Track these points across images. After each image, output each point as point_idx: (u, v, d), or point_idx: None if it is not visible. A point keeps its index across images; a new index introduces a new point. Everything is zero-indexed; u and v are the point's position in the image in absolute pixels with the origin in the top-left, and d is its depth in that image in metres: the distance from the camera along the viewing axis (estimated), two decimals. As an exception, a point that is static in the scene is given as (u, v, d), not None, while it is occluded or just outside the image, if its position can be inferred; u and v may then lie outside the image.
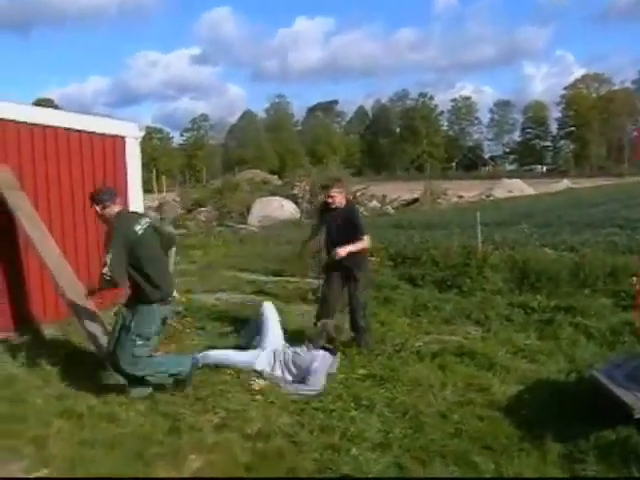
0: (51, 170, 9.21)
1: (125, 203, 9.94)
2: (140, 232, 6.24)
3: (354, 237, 7.76)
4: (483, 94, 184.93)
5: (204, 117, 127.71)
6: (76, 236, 9.44)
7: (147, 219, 6.48)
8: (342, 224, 7.90)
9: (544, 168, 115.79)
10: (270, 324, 7.48)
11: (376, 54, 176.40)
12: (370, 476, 4.66)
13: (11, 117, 8.81)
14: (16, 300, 8.84)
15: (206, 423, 5.71)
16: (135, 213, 7.23)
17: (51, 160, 9.22)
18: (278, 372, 6.89)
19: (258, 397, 6.29)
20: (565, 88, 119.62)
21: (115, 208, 6.41)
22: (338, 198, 7.95)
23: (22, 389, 6.56)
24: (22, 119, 8.93)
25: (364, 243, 7.84)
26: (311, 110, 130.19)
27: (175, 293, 10.58)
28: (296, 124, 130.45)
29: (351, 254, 7.68)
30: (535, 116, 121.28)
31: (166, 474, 4.78)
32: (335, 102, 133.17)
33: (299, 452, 5.09)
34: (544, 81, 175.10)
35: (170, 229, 25.12)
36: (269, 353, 7.05)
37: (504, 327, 8.83)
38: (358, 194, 34.12)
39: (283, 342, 7.34)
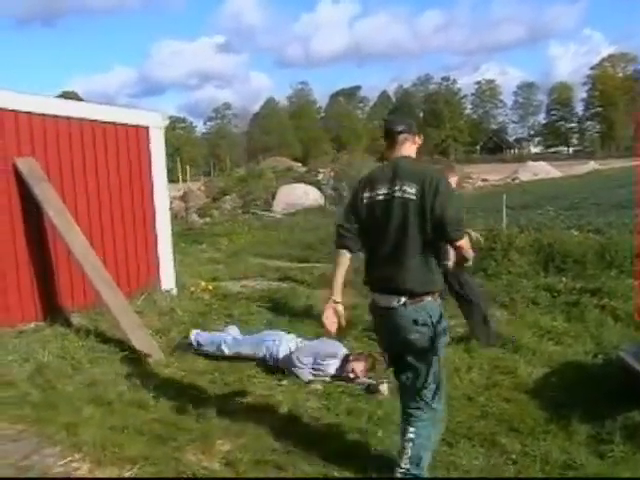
0: (76, 161, 9.31)
1: (150, 193, 10.05)
2: None
3: None
4: (508, 76, 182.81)
5: (227, 106, 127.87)
6: (102, 225, 9.53)
7: None
8: None
9: (570, 150, 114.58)
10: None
11: (401, 38, 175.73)
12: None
13: (37, 110, 8.91)
14: (45, 289, 8.97)
15: (234, 408, 5.78)
16: None
17: (76, 151, 9.31)
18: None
19: (284, 382, 6.35)
20: (591, 68, 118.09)
21: None
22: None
23: (53, 377, 6.67)
24: (47, 111, 9.04)
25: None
26: (334, 96, 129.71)
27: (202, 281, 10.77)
28: (319, 110, 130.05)
29: None
30: (560, 97, 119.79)
31: (195, 458, 4.84)
32: (358, 88, 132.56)
33: (327, 436, 5.12)
34: (572, 61, 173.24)
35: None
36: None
37: (530, 310, 8.81)
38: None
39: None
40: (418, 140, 4.42)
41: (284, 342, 6.93)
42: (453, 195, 4.19)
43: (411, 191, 4.00)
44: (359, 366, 6.41)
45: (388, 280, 4.10)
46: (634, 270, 9.88)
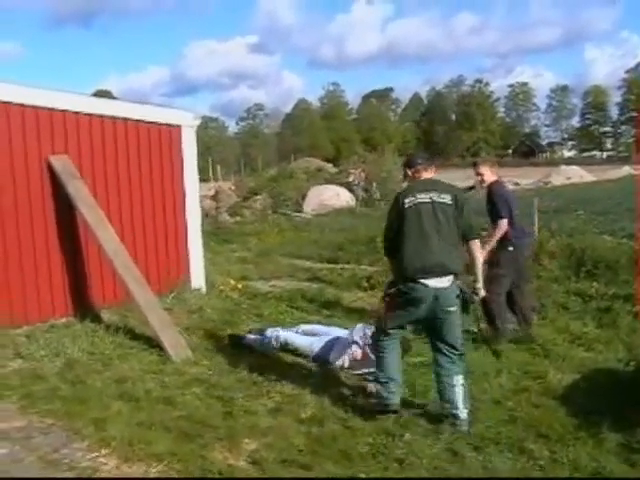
0: (109, 159, 9.39)
1: (181, 192, 10.11)
2: None
3: (493, 220, 7.54)
4: (543, 79, 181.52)
5: (259, 106, 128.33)
6: (134, 223, 9.60)
7: None
8: (488, 202, 7.70)
9: (604, 154, 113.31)
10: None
11: (434, 40, 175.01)
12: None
13: (71, 108, 9.00)
14: (76, 285, 9.07)
15: (261, 407, 5.80)
16: None
17: (109, 149, 9.40)
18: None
19: (312, 382, 6.34)
20: (627, 72, 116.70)
21: None
22: (486, 176, 7.71)
23: (83, 372, 6.74)
24: (81, 110, 9.13)
25: (499, 230, 7.44)
26: (366, 98, 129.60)
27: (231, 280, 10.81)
28: (351, 112, 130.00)
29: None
30: (595, 101, 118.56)
31: (222, 456, 4.85)
32: (390, 89, 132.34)
33: (353, 436, 5.12)
34: (607, 65, 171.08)
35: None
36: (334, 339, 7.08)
37: (561, 315, 8.70)
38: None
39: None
40: (435, 170, 5.80)
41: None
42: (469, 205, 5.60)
43: (448, 198, 5.38)
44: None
45: (440, 265, 5.27)
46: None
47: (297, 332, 7.51)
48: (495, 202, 7.52)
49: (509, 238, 7.51)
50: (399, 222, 5.39)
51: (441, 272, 5.26)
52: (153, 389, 6.27)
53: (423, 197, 5.36)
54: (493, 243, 7.48)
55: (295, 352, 7.27)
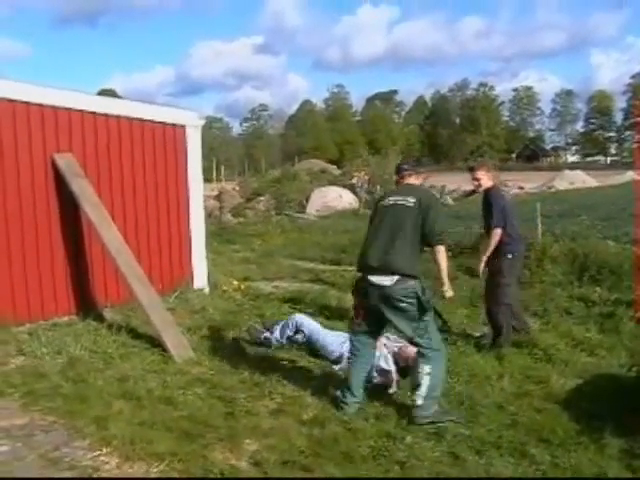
0: (114, 158, 9.41)
1: (185, 192, 10.12)
2: None
3: (489, 228, 7.43)
4: (548, 83, 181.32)
5: (263, 107, 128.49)
6: (137, 222, 9.61)
7: None
8: (483, 210, 7.65)
9: (608, 159, 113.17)
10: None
11: (440, 43, 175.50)
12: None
13: (76, 106, 9.01)
14: (79, 284, 9.07)
15: (262, 408, 5.80)
16: None
17: (114, 148, 9.41)
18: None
19: (314, 384, 6.33)
20: (632, 77, 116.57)
21: None
22: (483, 181, 7.61)
23: (85, 371, 6.74)
24: (86, 108, 9.14)
25: (493, 240, 7.36)
26: (370, 100, 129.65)
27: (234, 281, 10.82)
28: (355, 114, 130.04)
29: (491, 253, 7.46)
30: (599, 106, 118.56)
31: (223, 457, 4.85)
32: (395, 92, 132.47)
33: (354, 439, 5.11)
34: (613, 70, 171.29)
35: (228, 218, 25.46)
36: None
37: (563, 320, 8.69)
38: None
39: None
40: (421, 177, 6.24)
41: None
42: (440, 211, 5.92)
43: (412, 201, 5.67)
44: (411, 353, 6.37)
45: (383, 264, 5.57)
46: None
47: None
48: (491, 210, 7.40)
49: (507, 246, 7.45)
50: (369, 222, 6.01)
51: (384, 270, 5.54)
52: (155, 388, 6.26)
53: (391, 200, 5.85)
54: (489, 252, 7.44)
55: (314, 351, 7.26)
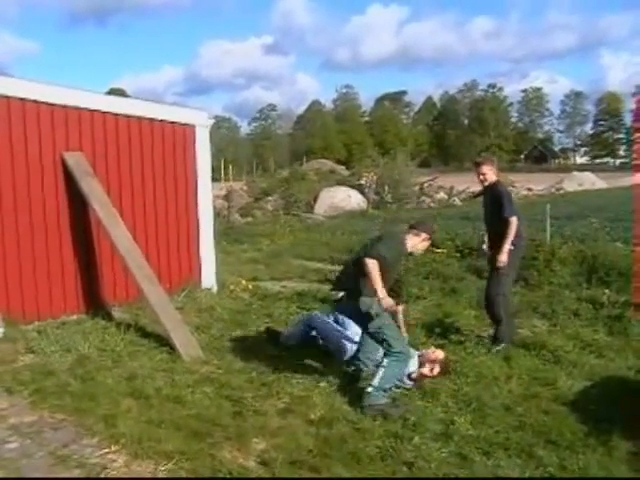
0: (123, 157, 9.44)
1: (194, 191, 10.14)
2: None
3: (500, 219, 7.46)
4: (558, 85, 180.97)
5: (272, 107, 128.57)
6: (146, 221, 9.64)
7: None
8: (490, 203, 7.72)
9: (617, 161, 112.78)
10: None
11: (449, 43, 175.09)
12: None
13: (86, 105, 9.05)
14: (88, 282, 9.11)
15: (270, 408, 5.80)
16: None
17: (123, 147, 9.44)
18: None
19: (322, 384, 6.34)
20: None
21: None
22: (488, 175, 7.70)
23: (93, 369, 6.77)
24: (96, 107, 9.17)
25: (512, 228, 7.40)
26: (379, 100, 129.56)
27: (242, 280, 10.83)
28: (363, 114, 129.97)
29: (496, 244, 7.53)
30: (609, 107, 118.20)
31: (231, 456, 4.86)
32: (404, 92, 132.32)
33: (362, 439, 5.12)
34: (623, 71, 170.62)
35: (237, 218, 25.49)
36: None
37: (571, 321, 8.67)
38: (426, 185, 33.86)
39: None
40: (422, 236, 6.52)
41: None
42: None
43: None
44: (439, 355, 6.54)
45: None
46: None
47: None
48: (502, 202, 7.46)
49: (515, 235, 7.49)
50: None
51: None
52: (163, 387, 6.28)
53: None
54: (509, 242, 7.39)
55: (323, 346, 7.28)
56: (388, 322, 6.14)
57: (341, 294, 6.82)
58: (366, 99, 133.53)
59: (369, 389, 5.79)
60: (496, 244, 7.52)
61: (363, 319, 6.23)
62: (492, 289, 7.64)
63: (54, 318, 8.60)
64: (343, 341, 6.96)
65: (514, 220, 7.39)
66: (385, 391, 5.84)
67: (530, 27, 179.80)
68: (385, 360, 5.96)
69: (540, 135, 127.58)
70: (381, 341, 6.10)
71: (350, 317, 6.82)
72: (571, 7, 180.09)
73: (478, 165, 7.86)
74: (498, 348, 7.36)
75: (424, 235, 6.51)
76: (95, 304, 9.04)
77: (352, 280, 6.22)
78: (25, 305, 8.53)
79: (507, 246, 7.39)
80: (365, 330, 6.38)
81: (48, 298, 8.76)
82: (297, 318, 7.82)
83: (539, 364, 6.97)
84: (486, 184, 7.77)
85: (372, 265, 5.91)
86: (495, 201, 7.59)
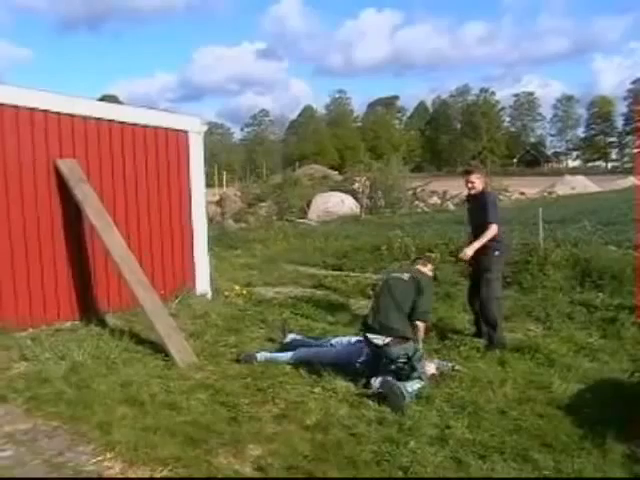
0: (117, 163, 9.44)
1: (187, 197, 10.14)
2: None
3: (484, 225, 7.72)
4: (550, 89, 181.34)
5: (264, 112, 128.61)
6: (140, 228, 9.63)
7: None
8: (476, 210, 8.00)
9: (608, 165, 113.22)
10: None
11: (443, 48, 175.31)
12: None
13: (79, 112, 9.04)
14: (81, 289, 9.09)
15: (266, 414, 5.81)
16: None
17: (117, 154, 9.44)
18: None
19: (317, 389, 6.34)
20: (633, 82, 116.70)
21: None
22: (477, 184, 7.97)
23: (88, 376, 6.75)
24: (90, 114, 9.17)
25: (490, 233, 7.67)
26: (371, 105, 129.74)
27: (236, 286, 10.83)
28: (356, 120, 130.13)
29: (480, 249, 7.72)
30: (600, 111, 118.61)
31: (227, 462, 4.86)
32: (396, 97, 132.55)
33: (358, 444, 5.12)
34: (615, 75, 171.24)
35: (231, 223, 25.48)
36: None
37: (565, 325, 8.70)
38: (418, 190, 33.91)
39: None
40: (428, 266, 7.36)
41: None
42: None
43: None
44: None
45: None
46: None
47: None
48: (487, 208, 7.73)
49: (496, 244, 7.76)
50: None
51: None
52: (158, 394, 6.27)
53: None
54: (481, 244, 7.68)
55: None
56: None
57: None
58: (359, 104, 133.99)
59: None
60: (480, 249, 7.72)
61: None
62: (484, 293, 7.81)
63: (48, 325, 8.58)
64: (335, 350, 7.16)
65: (494, 227, 7.68)
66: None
67: (523, 31, 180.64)
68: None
69: (532, 139, 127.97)
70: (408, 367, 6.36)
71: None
72: (564, 11, 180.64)
73: (467, 173, 8.11)
74: (494, 350, 7.46)
75: (430, 265, 7.43)
76: (89, 311, 9.02)
77: (399, 322, 6.52)
78: (19, 312, 8.50)
79: (477, 245, 7.69)
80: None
81: (42, 305, 8.75)
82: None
83: (534, 368, 6.99)
84: (474, 192, 8.03)
85: (423, 327, 6.78)
86: (481, 208, 7.84)
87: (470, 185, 8.00)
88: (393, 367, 6.40)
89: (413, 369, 6.31)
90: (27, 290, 8.66)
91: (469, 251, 7.73)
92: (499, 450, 4.97)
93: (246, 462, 4.88)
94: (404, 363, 6.33)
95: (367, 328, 6.59)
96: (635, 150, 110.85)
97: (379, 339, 6.40)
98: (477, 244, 7.68)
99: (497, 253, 7.77)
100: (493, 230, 7.66)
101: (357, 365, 6.77)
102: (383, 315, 6.53)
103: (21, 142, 8.58)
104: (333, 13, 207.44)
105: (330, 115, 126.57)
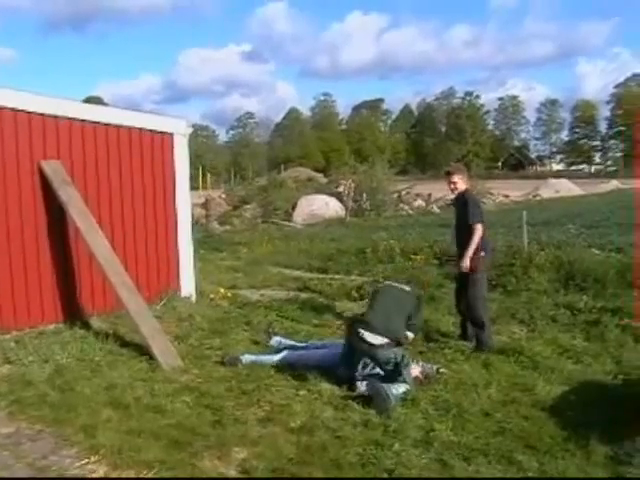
0: (101, 165, 9.40)
1: (172, 199, 10.12)
2: None
3: (467, 226, 7.76)
4: (534, 92, 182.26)
5: (249, 115, 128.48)
6: (125, 230, 9.60)
7: None
8: (459, 210, 8.07)
9: (592, 168, 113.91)
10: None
11: (428, 51, 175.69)
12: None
13: (64, 113, 9.00)
14: (66, 291, 9.04)
15: (251, 416, 5.80)
16: None
17: (101, 155, 9.40)
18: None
19: (302, 392, 6.34)
20: (616, 86, 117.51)
21: None
22: (459, 184, 8.03)
23: (72, 379, 6.72)
24: (74, 115, 9.13)
25: (477, 234, 7.70)
26: (357, 108, 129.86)
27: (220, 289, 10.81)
28: (341, 122, 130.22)
29: (463, 249, 7.80)
30: (583, 115, 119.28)
31: (212, 464, 4.85)
32: (381, 100, 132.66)
33: (343, 446, 5.12)
34: (599, 79, 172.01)
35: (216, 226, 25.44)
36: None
37: (549, 327, 8.74)
38: (403, 193, 34.01)
39: None
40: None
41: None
42: None
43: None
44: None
45: None
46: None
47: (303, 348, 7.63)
48: (469, 208, 7.80)
49: (481, 243, 7.80)
50: None
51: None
52: (142, 396, 6.25)
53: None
54: (473, 248, 7.70)
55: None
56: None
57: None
58: (345, 107, 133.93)
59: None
60: (465, 249, 7.77)
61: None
62: (470, 293, 7.88)
63: (32, 328, 8.52)
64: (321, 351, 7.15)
65: (479, 227, 7.72)
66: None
67: (508, 35, 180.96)
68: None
69: (517, 142, 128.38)
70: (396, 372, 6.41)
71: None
72: (549, 16, 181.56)
73: (449, 174, 8.17)
74: (482, 352, 7.53)
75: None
76: (73, 313, 8.97)
77: (399, 326, 6.61)
78: (2, 314, 8.45)
79: (471, 252, 7.70)
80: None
81: (26, 307, 8.69)
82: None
83: (518, 370, 7.02)
84: (456, 192, 8.11)
85: (412, 338, 6.98)
86: (463, 208, 7.91)
87: (452, 186, 8.06)
88: (380, 370, 6.48)
89: (400, 374, 6.33)
90: (11, 292, 8.59)
91: (465, 262, 7.70)
92: (483, 452, 4.99)
93: (231, 465, 4.88)
94: (392, 367, 6.37)
95: (364, 325, 6.49)
96: (618, 154, 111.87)
97: (376, 338, 6.36)
98: (470, 251, 7.67)
99: (483, 253, 7.82)
100: (479, 231, 7.71)
101: (338, 371, 6.75)
102: (385, 316, 6.54)
103: (5, 143, 8.51)
104: (319, 16, 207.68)
105: (315, 118, 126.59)
